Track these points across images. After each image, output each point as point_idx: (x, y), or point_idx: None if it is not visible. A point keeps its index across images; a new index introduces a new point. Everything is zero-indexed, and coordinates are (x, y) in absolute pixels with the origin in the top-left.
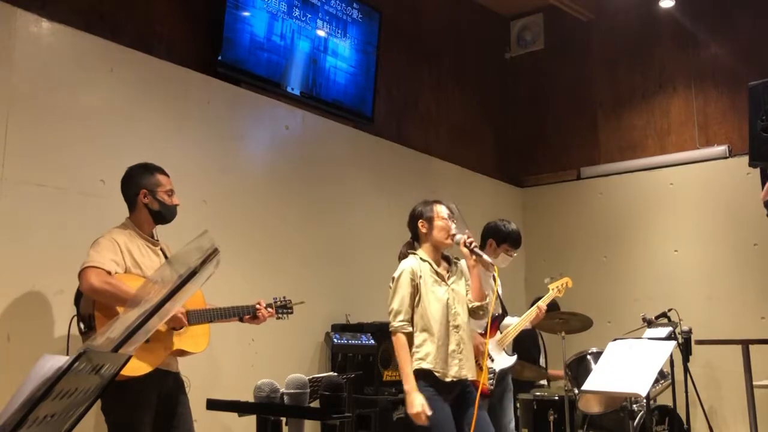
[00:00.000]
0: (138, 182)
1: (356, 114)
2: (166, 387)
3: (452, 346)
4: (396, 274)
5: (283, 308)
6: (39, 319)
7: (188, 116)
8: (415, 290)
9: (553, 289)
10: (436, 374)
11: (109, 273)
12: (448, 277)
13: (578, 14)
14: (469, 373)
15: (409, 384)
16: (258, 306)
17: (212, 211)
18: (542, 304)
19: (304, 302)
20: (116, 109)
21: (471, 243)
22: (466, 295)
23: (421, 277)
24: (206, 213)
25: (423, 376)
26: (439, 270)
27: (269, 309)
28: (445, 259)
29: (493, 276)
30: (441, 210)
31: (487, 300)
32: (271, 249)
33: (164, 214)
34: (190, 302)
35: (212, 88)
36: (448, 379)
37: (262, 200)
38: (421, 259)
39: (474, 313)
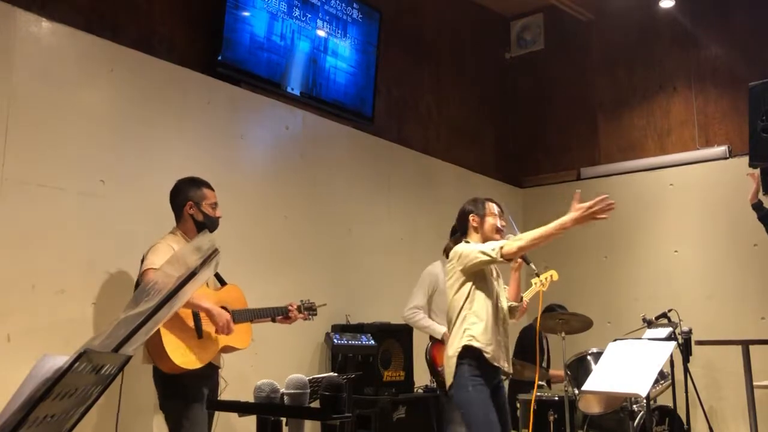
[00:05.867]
0: (185, 194)
1: (356, 114)
2: (213, 381)
3: (499, 337)
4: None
5: (309, 310)
6: (39, 319)
7: (188, 116)
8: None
9: (535, 284)
10: (486, 355)
11: None
12: (495, 271)
13: (578, 14)
14: (506, 364)
15: None
16: (289, 308)
17: None
18: (525, 297)
19: (326, 304)
20: (116, 109)
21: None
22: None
23: None
24: None
25: (472, 356)
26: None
27: (300, 311)
28: None
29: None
30: (493, 207)
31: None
32: (271, 249)
33: (207, 225)
34: (233, 302)
35: (212, 88)
36: (496, 364)
37: (262, 200)
38: None
39: (512, 311)
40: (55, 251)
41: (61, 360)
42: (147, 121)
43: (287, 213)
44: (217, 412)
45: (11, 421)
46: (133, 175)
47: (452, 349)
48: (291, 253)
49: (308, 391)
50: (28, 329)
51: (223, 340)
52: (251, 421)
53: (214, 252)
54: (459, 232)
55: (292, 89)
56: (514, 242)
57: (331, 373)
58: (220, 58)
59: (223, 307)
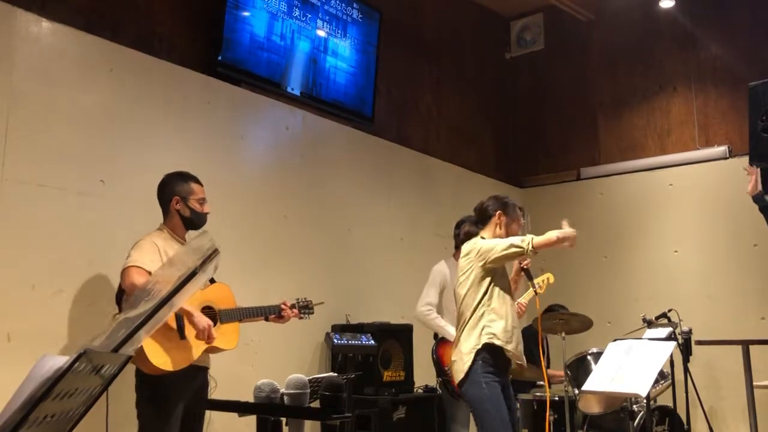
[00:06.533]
0: (172, 189)
1: (356, 114)
2: (198, 383)
3: (517, 334)
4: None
5: (305, 308)
6: (39, 319)
7: (188, 116)
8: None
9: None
10: (508, 353)
11: (149, 272)
12: None
13: (578, 14)
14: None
15: None
16: (283, 306)
17: (212, 212)
18: (523, 300)
19: (323, 303)
20: (116, 109)
21: (527, 265)
22: None
23: None
24: None
25: (489, 353)
26: None
27: (293, 309)
28: None
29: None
30: (521, 217)
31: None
32: (271, 249)
33: (194, 221)
34: (221, 301)
35: (212, 88)
36: (518, 362)
37: (262, 200)
38: None
39: None
40: (55, 251)
41: (61, 360)
42: (147, 121)
43: (287, 213)
44: (209, 413)
45: (11, 421)
46: (133, 175)
47: (467, 346)
48: (291, 252)
49: (308, 391)
50: (28, 329)
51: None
52: (251, 421)
53: (214, 252)
54: (477, 221)
55: (292, 89)
56: (543, 236)
57: (331, 373)
58: (220, 58)
59: (209, 307)
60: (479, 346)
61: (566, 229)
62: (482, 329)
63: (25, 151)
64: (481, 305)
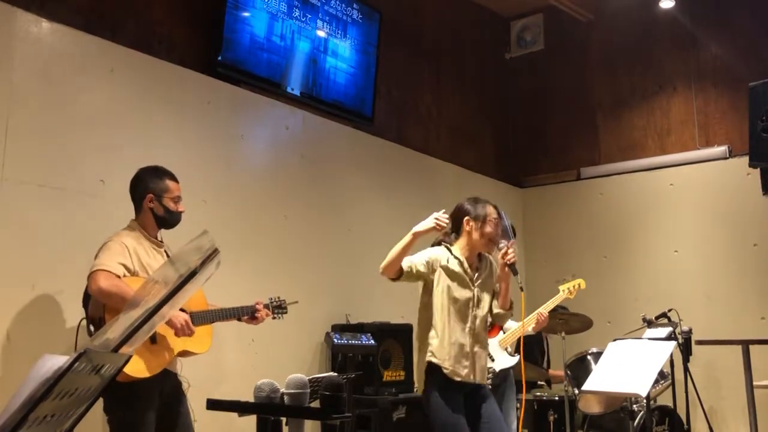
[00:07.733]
0: (146, 185)
1: (356, 114)
2: (168, 387)
3: (466, 349)
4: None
5: (278, 308)
6: (39, 319)
7: (188, 116)
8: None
9: (563, 291)
10: (445, 370)
11: (117, 276)
12: (477, 277)
13: (578, 15)
14: (474, 376)
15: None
16: (257, 307)
17: (212, 211)
18: (543, 310)
19: (297, 302)
20: (116, 109)
21: (511, 260)
22: (493, 295)
23: (442, 269)
24: (206, 213)
25: (435, 371)
26: (469, 271)
27: (266, 309)
28: (477, 256)
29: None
30: (493, 214)
31: (512, 309)
32: (271, 249)
33: (168, 220)
34: (192, 303)
35: (212, 88)
36: (457, 379)
37: (262, 200)
38: (453, 256)
39: (497, 317)
40: (55, 251)
41: (61, 360)
42: (147, 121)
43: (287, 213)
44: (208, 413)
45: (11, 420)
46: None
47: (421, 360)
48: (291, 252)
49: (308, 390)
50: (28, 329)
51: (180, 345)
52: (251, 421)
53: (215, 252)
54: (453, 230)
55: (292, 89)
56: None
57: (331, 373)
58: (220, 58)
59: (180, 309)
60: (426, 364)
61: (415, 227)
62: (427, 345)
63: (25, 151)
64: (426, 318)
